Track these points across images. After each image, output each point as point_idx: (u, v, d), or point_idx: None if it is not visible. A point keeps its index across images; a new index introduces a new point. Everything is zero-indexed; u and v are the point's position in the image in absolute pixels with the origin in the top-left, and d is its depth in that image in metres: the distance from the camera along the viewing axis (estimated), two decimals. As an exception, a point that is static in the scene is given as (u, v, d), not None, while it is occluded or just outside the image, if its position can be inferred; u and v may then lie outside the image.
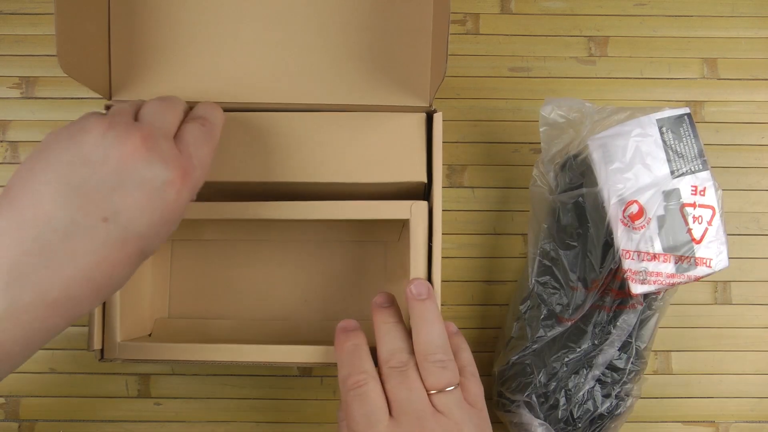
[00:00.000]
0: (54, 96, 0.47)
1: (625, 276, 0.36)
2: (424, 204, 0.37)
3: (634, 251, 0.36)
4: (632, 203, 0.36)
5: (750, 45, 0.48)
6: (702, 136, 0.47)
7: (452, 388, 0.33)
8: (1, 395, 0.45)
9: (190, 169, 0.29)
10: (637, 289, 0.36)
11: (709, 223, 0.36)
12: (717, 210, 0.37)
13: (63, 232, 0.26)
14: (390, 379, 0.33)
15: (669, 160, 0.37)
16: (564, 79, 0.47)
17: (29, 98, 0.47)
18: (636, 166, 0.36)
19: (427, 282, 0.36)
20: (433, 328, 0.33)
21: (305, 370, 0.45)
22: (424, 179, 0.37)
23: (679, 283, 0.36)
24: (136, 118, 0.31)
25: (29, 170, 0.27)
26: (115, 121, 0.28)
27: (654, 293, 0.37)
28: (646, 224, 0.36)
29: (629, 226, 0.36)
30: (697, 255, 0.36)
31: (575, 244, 0.38)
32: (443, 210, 0.46)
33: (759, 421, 0.45)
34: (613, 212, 0.36)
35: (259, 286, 0.44)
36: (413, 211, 0.37)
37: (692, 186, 0.37)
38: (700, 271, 0.36)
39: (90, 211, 0.27)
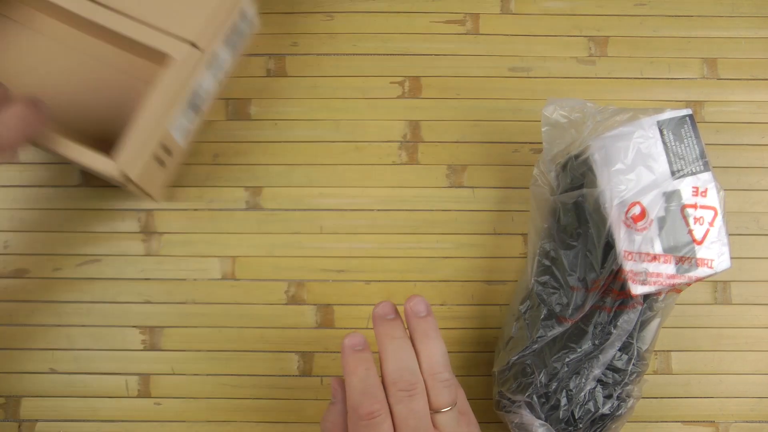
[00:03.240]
0: (54, 96, 0.47)
1: (625, 277, 0.36)
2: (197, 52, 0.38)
3: (636, 252, 0.36)
4: (635, 205, 0.36)
5: (750, 45, 0.48)
6: (702, 136, 0.48)
7: (452, 407, 0.33)
8: (1, 395, 0.45)
9: None
10: (637, 289, 0.36)
11: (711, 224, 0.36)
12: (719, 211, 0.37)
13: None
14: (398, 402, 0.32)
15: (670, 162, 0.37)
16: (564, 79, 0.47)
17: (29, 98, 0.47)
18: (638, 168, 0.36)
19: (424, 299, 0.36)
20: (437, 346, 0.34)
21: (305, 370, 0.45)
22: (193, 40, 0.37)
23: (679, 284, 0.36)
24: None
25: None
26: None
27: (655, 294, 0.37)
28: (648, 226, 0.36)
29: (632, 228, 0.36)
30: (698, 256, 0.36)
31: (575, 243, 0.38)
32: (443, 210, 0.46)
33: (759, 421, 0.45)
34: (615, 214, 0.36)
35: None
36: (182, 52, 0.38)
37: (693, 187, 0.36)
38: (701, 272, 0.36)
39: None
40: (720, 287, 0.46)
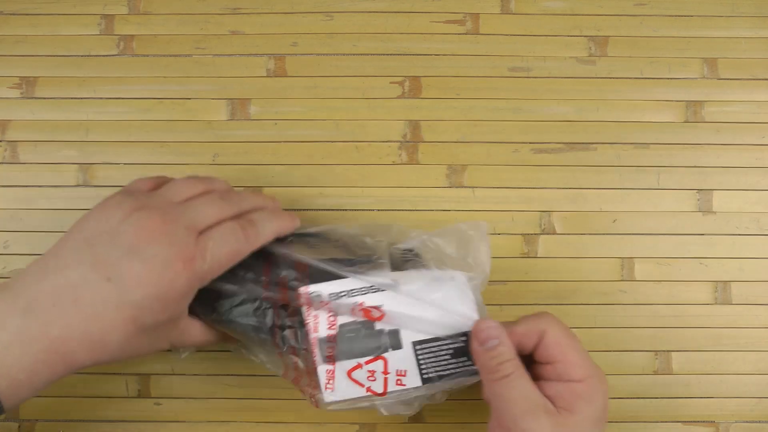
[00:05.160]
0: (54, 96, 0.47)
1: (300, 301, 0.37)
2: None
3: (312, 296, 0.37)
4: (376, 310, 0.37)
5: (750, 45, 0.48)
6: (702, 136, 0.48)
7: None
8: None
9: (196, 259, 0.33)
10: (301, 295, 0.37)
11: (363, 385, 0.37)
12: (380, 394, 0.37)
13: (73, 282, 0.31)
14: None
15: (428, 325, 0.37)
16: (564, 79, 0.47)
17: (29, 98, 0.47)
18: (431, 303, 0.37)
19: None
20: None
21: (305, 370, 0.45)
22: None
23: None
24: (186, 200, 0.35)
25: (68, 232, 0.34)
26: (147, 204, 0.33)
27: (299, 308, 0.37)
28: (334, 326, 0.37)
29: (320, 309, 0.37)
30: (319, 377, 0.37)
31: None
32: (443, 210, 0.46)
33: (759, 421, 0.45)
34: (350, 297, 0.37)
35: None
36: None
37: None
38: (320, 374, 0.37)
39: (99, 269, 0.31)
40: (720, 287, 0.46)
